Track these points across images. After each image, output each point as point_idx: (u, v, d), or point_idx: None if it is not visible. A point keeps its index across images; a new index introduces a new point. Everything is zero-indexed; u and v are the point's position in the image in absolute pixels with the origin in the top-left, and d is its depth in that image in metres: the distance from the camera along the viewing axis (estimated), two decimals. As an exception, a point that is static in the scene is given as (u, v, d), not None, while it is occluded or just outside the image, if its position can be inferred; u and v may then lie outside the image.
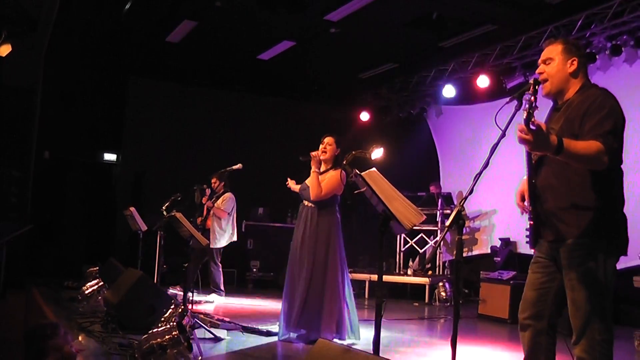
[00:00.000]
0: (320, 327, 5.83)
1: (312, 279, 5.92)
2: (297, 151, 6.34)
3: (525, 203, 3.34)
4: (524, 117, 2.81)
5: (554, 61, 3.30)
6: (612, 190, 3.18)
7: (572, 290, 3.13)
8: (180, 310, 4.83)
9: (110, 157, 12.83)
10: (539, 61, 3.35)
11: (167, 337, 4.24)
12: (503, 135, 3.02)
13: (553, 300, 3.26)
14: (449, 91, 11.53)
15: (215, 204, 9.11)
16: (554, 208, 3.17)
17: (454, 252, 12.32)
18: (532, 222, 3.20)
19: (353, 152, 4.29)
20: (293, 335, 6.00)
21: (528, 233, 3.24)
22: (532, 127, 2.77)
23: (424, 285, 10.64)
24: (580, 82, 3.29)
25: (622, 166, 3.21)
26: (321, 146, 6.22)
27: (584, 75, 3.32)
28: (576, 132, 3.07)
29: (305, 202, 6.21)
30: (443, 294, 10.29)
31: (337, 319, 5.90)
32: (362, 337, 6.11)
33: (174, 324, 4.35)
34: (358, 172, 3.63)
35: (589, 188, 3.11)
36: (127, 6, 9.25)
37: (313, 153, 6.17)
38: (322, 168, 6.21)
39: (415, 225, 3.54)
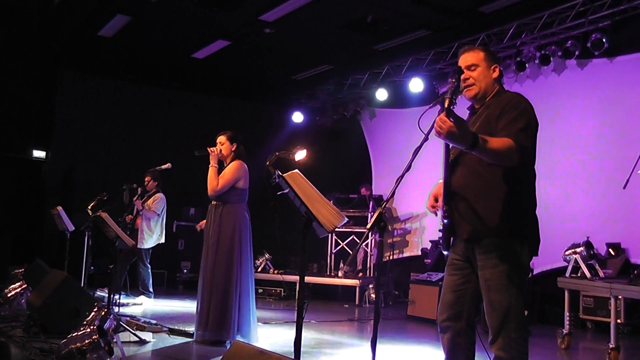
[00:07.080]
0: (224, 327, 5.75)
1: (214, 279, 5.85)
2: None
3: (439, 204, 3.37)
4: (446, 104, 2.87)
5: (479, 67, 3.39)
6: (526, 191, 3.26)
7: (487, 291, 3.18)
8: (102, 313, 4.72)
9: (39, 153, 12.44)
10: (463, 67, 3.39)
11: (86, 341, 4.14)
12: (426, 139, 3.06)
13: (470, 301, 3.32)
14: (382, 94, 11.66)
15: (146, 204, 8.96)
16: (469, 207, 3.22)
17: (386, 254, 12.34)
18: (446, 221, 3.23)
19: (277, 153, 4.27)
20: (207, 336, 5.85)
21: (441, 235, 3.28)
22: (451, 119, 2.83)
23: (354, 287, 10.71)
24: (498, 87, 3.43)
25: (538, 172, 3.30)
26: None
27: (500, 81, 3.46)
28: (492, 132, 3.15)
29: (212, 201, 6.16)
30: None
31: (241, 319, 5.85)
32: (287, 339, 6.12)
33: (95, 327, 4.25)
34: (280, 174, 3.62)
35: (503, 188, 3.17)
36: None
37: (210, 148, 6.19)
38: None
39: (336, 227, 3.56)
